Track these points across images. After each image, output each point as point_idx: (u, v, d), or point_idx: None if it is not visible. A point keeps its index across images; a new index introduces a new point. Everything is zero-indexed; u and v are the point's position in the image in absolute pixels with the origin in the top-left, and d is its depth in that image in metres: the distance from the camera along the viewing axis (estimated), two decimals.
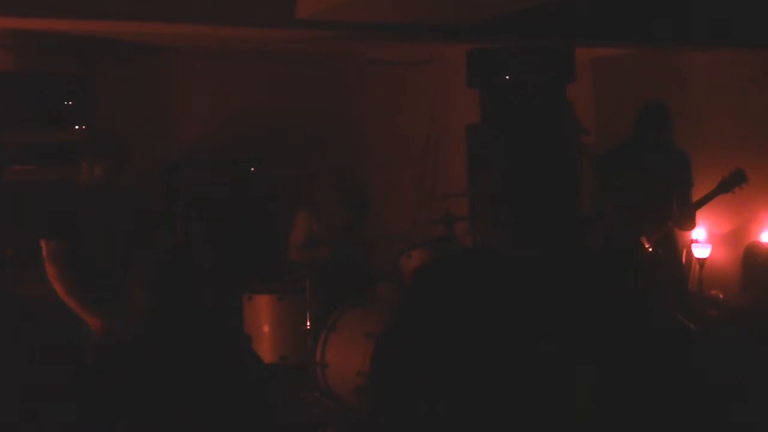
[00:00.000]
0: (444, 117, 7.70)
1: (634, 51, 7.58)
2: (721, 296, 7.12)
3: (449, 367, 2.35)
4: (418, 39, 6.50)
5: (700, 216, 5.85)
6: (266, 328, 5.79)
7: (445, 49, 7.21)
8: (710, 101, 7.29)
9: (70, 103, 6.05)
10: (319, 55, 7.23)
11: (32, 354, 4.94)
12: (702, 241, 7.24)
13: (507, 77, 6.60)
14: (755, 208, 5.66)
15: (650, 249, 5.29)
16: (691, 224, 5.68)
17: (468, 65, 6.74)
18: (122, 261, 4.65)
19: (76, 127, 5.97)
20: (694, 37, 6.57)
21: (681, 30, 6.49)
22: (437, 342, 2.36)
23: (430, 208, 7.17)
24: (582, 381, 3.37)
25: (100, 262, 4.66)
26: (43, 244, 4.62)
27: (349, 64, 7.42)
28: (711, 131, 7.09)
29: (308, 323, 5.60)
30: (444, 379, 2.35)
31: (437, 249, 5.79)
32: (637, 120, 5.67)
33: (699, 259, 7.22)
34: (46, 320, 4.77)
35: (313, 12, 5.41)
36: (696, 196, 5.62)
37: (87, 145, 4.99)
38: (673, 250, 5.72)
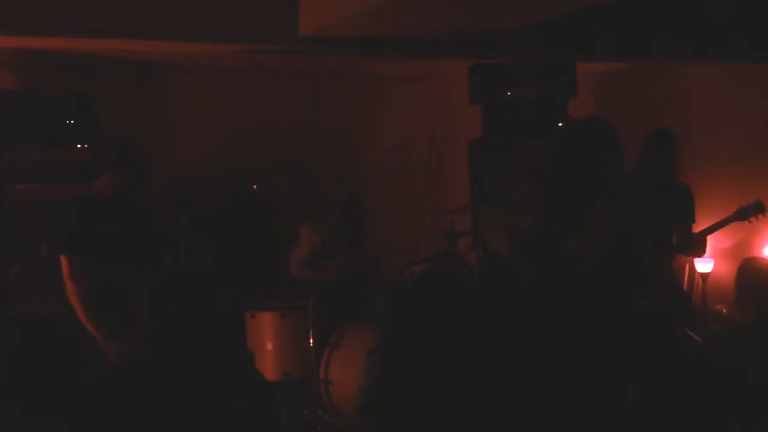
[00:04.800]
0: (446, 132, 7.71)
1: (636, 66, 7.59)
2: (724, 311, 7.10)
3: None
4: (420, 54, 6.51)
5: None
6: (269, 345, 5.77)
7: (446, 64, 7.22)
8: (712, 115, 7.28)
9: (72, 121, 6.06)
10: (322, 71, 7.25)
11: (37, 372, 4.91)
12: (704, 256, 7.22)
13: (509, 92, 6.61)
14: (758, 222, 5.63)
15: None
16: (701, 251, 5.47)
17: (470, 80, 6.76)
18: (139, 277, 4.59)
19: (79, 145, 5.98)
20: (696, 51, 6.57)
21: (683, 44, 6.50)
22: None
23: (432, 223, 7.16)
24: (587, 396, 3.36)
25: (120, 279, 4.50)
26: (63, 260, 4.42)
27: (351, 81, 7.43)
28: (713, 145, 7.08)
29: (311, 340, 5.59)
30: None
31: (441, 264, 5.78)
32: (640, 148, 5.18)
33: (702, 273, 7.21)
34: (52, 338, 4.73)
35: (315, 29, 5.43)
36: (703, 219, 5.53)
37: (107, 156, 4.73)
38: (674, 266, 5.66)
